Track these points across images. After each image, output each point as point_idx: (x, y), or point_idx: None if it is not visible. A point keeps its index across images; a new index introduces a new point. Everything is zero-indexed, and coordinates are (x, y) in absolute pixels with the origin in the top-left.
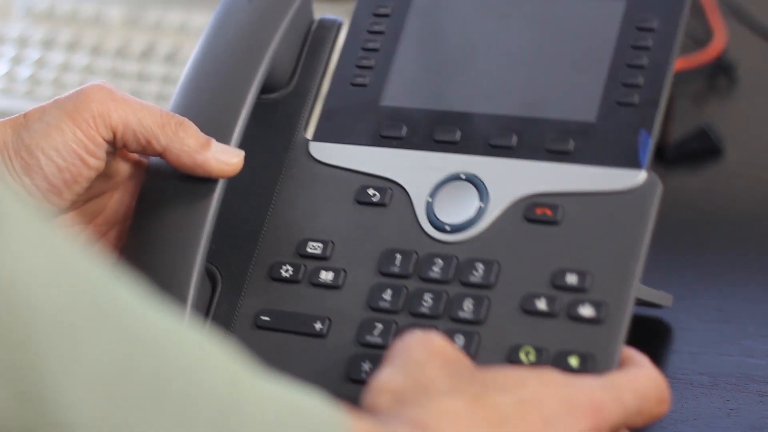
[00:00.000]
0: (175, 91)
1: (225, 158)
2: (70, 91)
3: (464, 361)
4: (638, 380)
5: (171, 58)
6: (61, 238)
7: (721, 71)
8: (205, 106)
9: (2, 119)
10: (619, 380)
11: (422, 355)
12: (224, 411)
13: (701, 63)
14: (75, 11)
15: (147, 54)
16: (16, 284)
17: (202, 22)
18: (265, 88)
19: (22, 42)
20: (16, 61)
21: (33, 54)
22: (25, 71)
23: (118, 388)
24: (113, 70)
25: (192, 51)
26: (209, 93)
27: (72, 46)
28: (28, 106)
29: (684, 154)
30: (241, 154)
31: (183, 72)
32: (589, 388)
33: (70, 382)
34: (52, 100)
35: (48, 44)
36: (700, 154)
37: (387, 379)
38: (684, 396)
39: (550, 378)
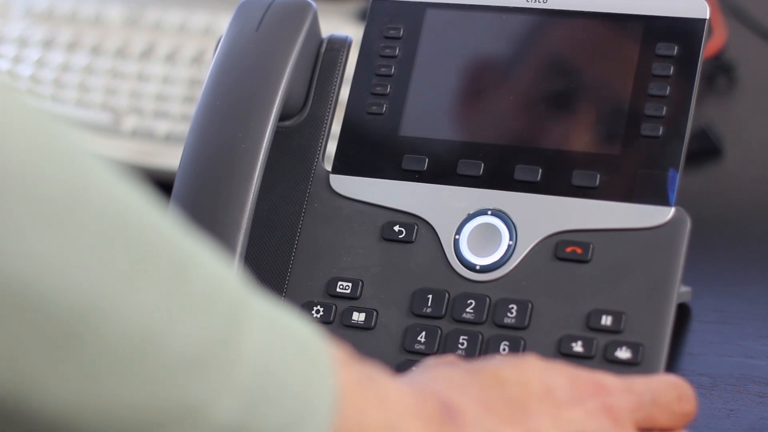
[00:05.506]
0: (189, 128)
1: None
2: (70, 90)
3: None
4: (651, 377)
5: (171, 58)
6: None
7: (720, 71)
8: (224, 142)
9: None
10: (630, 377)
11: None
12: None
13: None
14: (75, 11)
15: (147, 54)
16: None
17: (202, 22)
18: (280, 116)
19: (22, 42)
20: (16, 61)
21: (33, 54)
22: (25, 71)
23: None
24: (113, 70)
25: (191, 51)
26: (228, 128)
27: (72, 46)
28: None
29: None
30: None
31: (196, 107)
32: (594, 372)
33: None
34: None
35: (48, 44)
36: (699, 154)
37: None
38: None
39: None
